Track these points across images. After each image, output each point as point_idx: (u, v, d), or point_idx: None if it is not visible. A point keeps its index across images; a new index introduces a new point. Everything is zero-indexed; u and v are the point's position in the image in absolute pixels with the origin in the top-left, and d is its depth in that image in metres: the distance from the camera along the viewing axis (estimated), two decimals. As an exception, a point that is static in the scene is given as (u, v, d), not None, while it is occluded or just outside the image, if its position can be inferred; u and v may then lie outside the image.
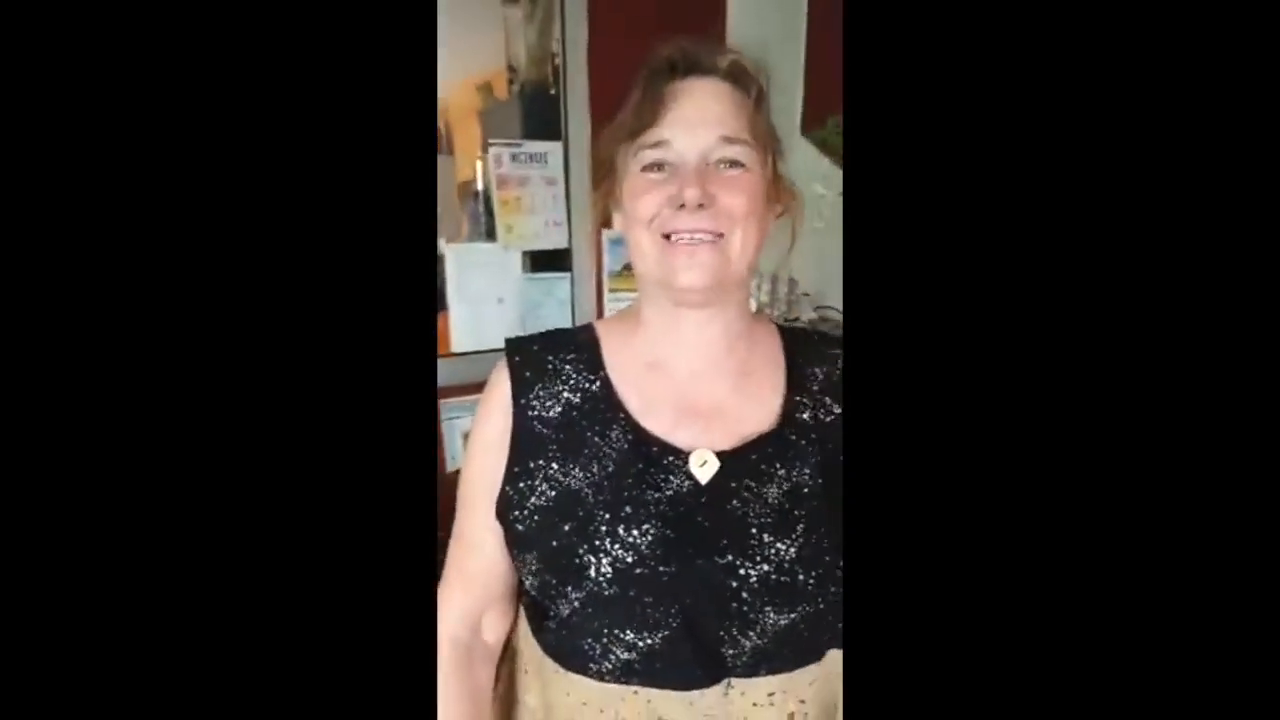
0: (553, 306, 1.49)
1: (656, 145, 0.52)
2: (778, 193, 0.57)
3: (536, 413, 0.55)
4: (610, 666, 0.52)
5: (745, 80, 0.53)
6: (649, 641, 0.50)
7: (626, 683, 0.52)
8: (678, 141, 0.52)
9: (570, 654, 0.54)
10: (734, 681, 0.51)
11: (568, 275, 1.50)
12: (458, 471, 1.42)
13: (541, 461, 0.54)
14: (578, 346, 0.58)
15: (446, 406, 1.39)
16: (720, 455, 0.53)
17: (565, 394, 0.55)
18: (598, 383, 0.56)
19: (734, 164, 0.52)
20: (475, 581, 0.59)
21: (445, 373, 1.37)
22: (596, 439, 0.53)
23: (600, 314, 1.54)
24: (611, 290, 1.56)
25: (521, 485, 0.54)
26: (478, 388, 1.37)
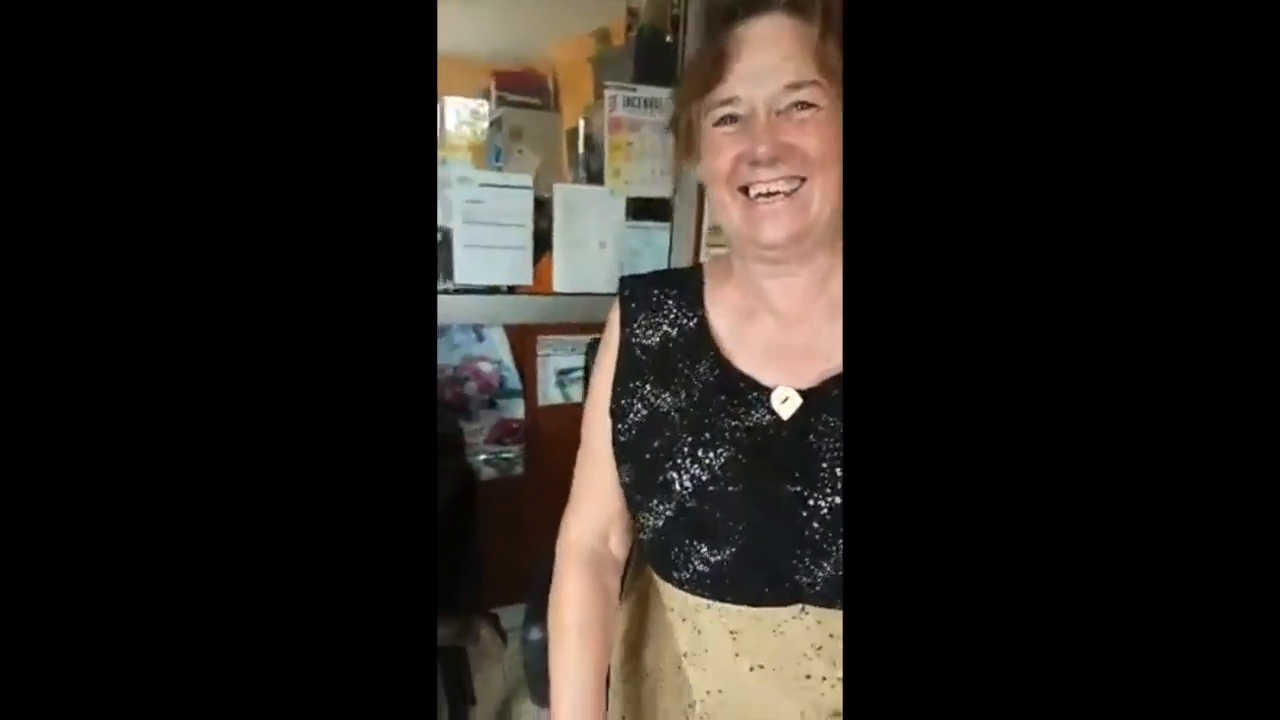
0: (650, 255, 1.52)
1: (725, 102, 0.53)
2: None
3: (638, 340, 0.60)
4: (689, 576, 0.56)
5: (808, 11, 0.51)
6: (719, 556, 0.54)
7: (700, 594, 0.56)
8: (744, 95, 0.52)
9: (661, 563, 0.59)
10: (809, 608, 0.53)
11: (667, 225, 1.51)
12: (548, 406, 1.50)
13: (639, 383, 0.59)
14: (682, 286, 0.62)
15: (542, 343, 1.47)
16: (803, 392, 0.54)
17: (665, 327, 0.60)
18: (695, 320, 0.60)
19: (805, 105, 0.51)
20: (602, 494, 0.63)
21: (544, 311, 1.45)
22: (686, 370, 0.58)
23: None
24: (710, 244, 1.56)
25: (623, 402, 0.59)
26: (572, 328, 1.44)
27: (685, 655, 0.58)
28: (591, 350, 0.94)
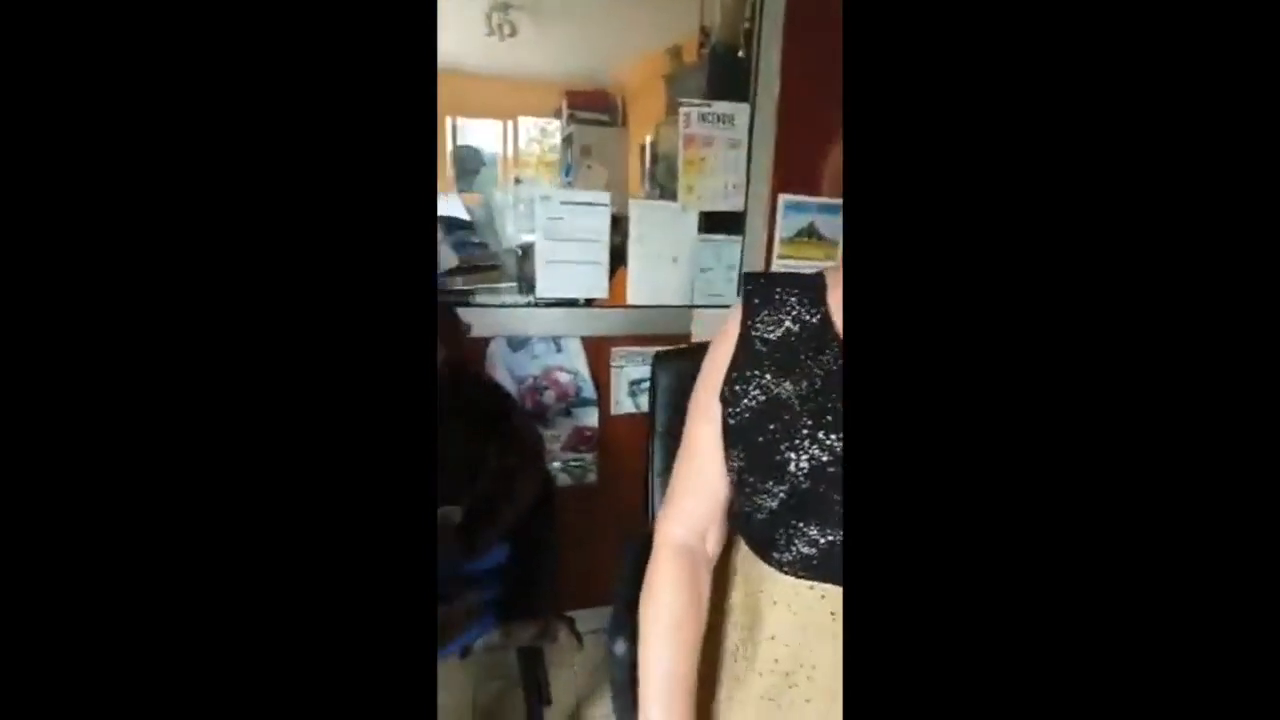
0: (721, 269, 1.53)
1: None
2: None
3: (759, 333, 0.63)
4: (791, 559, 0.57)
5: None
6: (830, 538, 0.55)
7: (804, 577, 0.57)
8: None
9: (762, 546, 0.60)
10: None
11: (739, 239, 1.52)
12: (620, 415, 1.54)
13: (757, 372, 0.61)
14: (804, 286, 0.64)
15: (616, 354, 1.51)
16: None
17: (787, 322, 0.62)
18: (818, 316, 0.62)
19: None
20: (702, 491, 0.65)
21: (618, 323, 1.50)
22: (808, 360, 0.60)
23: (769, 279, 1.55)
24: (781, 256, 1.56)
25: (737, 388, 0.61)
26: (645, 339, 1.48)
27: (773, 638, 0.60)
28: (658, 362, 0.97)
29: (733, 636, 0.65)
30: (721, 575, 0.69)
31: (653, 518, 0.98)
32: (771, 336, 0.62)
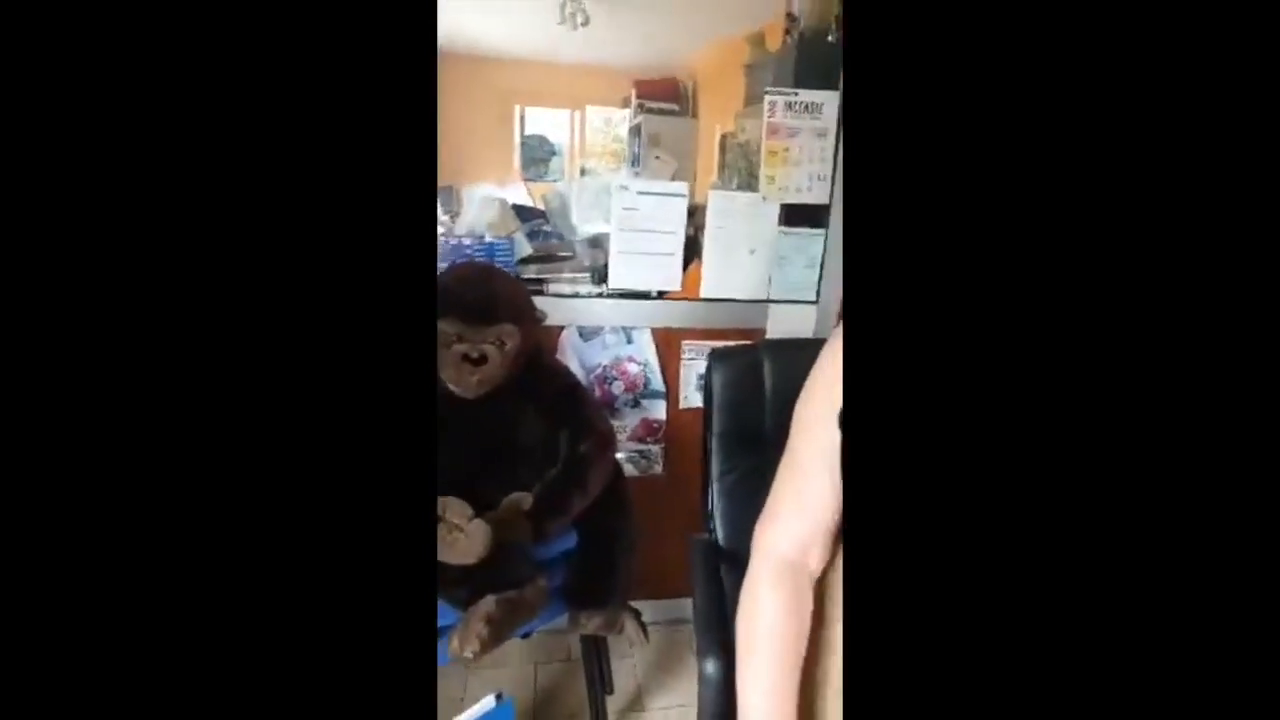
0: (801, 263, 1.48)
1: None
2: None
3: None
4: None
5: None
6: None
7: None
8: None
9: None
10: None
11: (822, 233, 1.47)
12: (688, 408, 1.52)
13: None
14: None
15: (686, 348, 1.50)
16: None
17: None
18: None
19: None
20: (808, 507, 0.61)
21: (689, 316, 1.48)
22: None
23: (850, 274, 1.48)
24: (866, 251, 1.49)
25: None
26: (716, 334, 1.45)
27: None
28: (715, 360, 0.93)
29: (829, 663, 0.62)
30: (817, 598, 0.66)
31: (711, 522, 0.96)
32: None
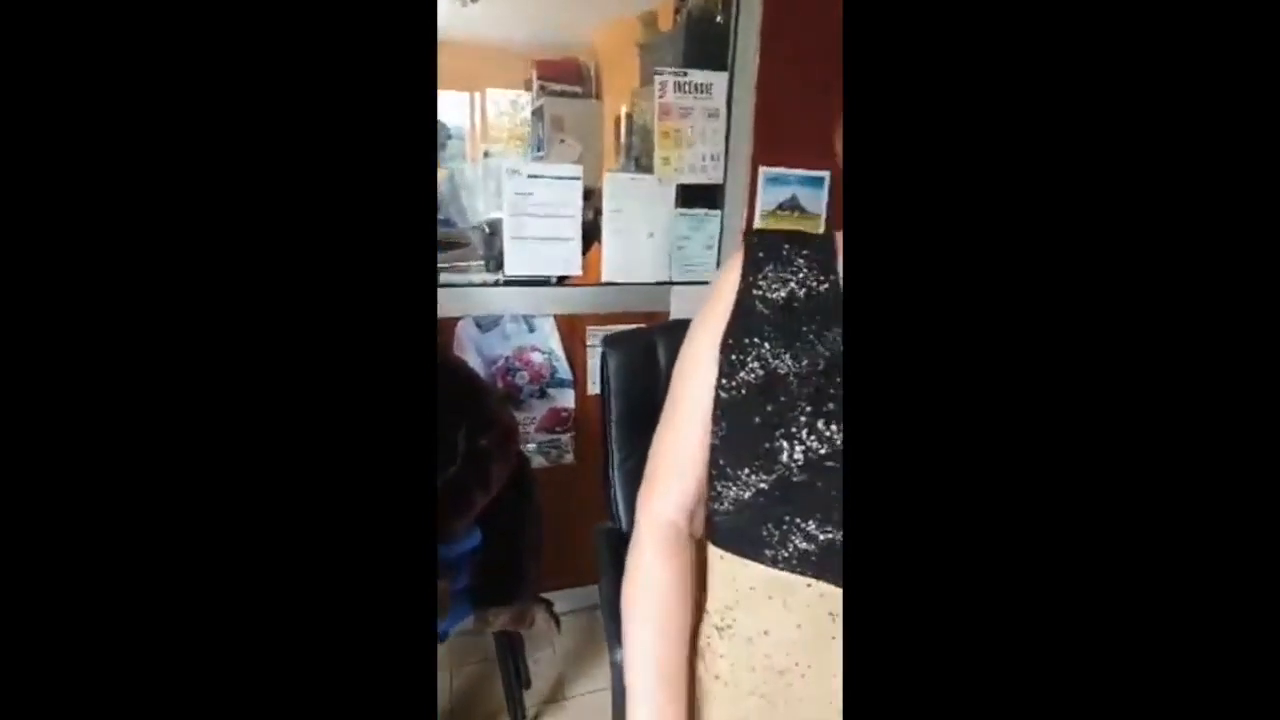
0: (699, 243, 1.49)
1: None
2: None
3: (762, 292, 0.56)
4: (786, 554, 0.53)
5: None
6: (830, 534, 0.51)
7: (800, 573, 0.53)
8: None
9: (747, 539, 0.55)
10: None
11: (718, 213, 1.48)
12: (597, 396, 1.51)
13: (756, 339, 0.55)
14: (815, 247, 0.58)
15: (591, 333, 1.48)
16: None
17: (793, 284, 0.56)
18: (826, 285, 0.56)
19: None
20: (688, 464, 0.59)
21: (592, 300, 1.46)
22: (812, 335, 0.54)
23: (748, 254, 1.51)
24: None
25: (734, 358, 0.55)
26: (620, 317, 1.44)
27: (766, 633, 0.56)
28: (610, 345, 0.92)
29: (707, 628, 0.62)
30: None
31: (615, 508, 0.95)
32: (775, 298, 0.55)
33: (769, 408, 0.52)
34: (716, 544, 0.58)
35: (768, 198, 1.50)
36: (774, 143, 1.45)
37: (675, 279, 1.50)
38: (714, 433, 0.55)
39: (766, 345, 0.54)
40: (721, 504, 0.56)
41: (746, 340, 0.55)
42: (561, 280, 1.42)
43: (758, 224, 1.51)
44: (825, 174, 1.52)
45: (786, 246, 0.57)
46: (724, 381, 0.55)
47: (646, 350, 0.93)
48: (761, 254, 0.57)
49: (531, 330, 1.43)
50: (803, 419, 0.51)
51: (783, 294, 0.56)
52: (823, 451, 0.50)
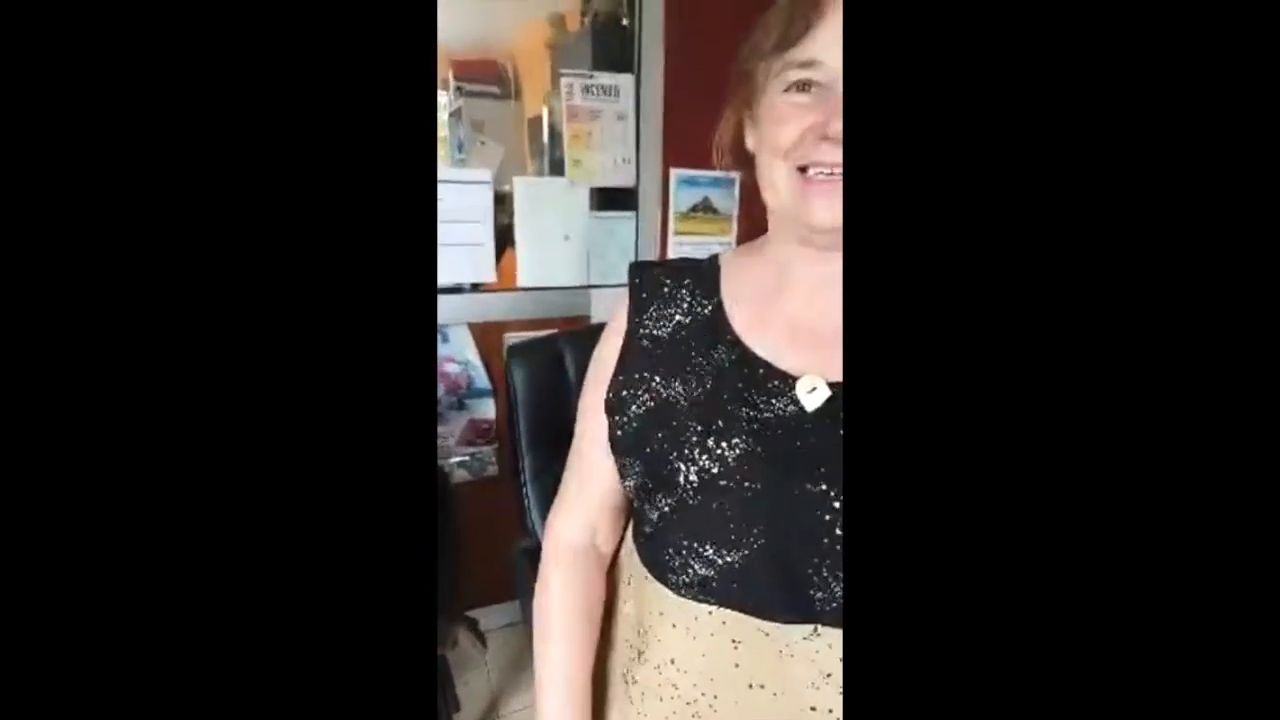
0: (616, 246, 1.49)
1: (805, 65, 0.46)
2: None
3: (648, 330, 0.57)
4: (688, 580, 0.52)
5: None
6: (728, 559, 0.50)
7: (702, 600, 0.52)
8: (830, 61, 0.45)
9: (655, 563, 0.55)
10: (822, 630, 0.49)
11: (633, 215, 1.48)
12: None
13: (646, 374, 0.55)
14: (698, 275, 0.59)
15: (509, 339, 1.45)
16: (833, 385, 0.50)
17: (677, 316, 0.57)
18: (710, 307, 0.57)
19: None
20: (591, 490, 0.61)
21: (510, 307, 1.42)
22: (700, 358, 0.54)
23: (663, 257, 1.52)
24: (677, 233, 1.53)
25: (625, 393, 0.56)
26: (539, 324, 1.42)
27: (672, 662, 0.55)
28: (513, 357, 0.90)
29: (624, 654, 0.61)
30: (611, 582, 0.65)
31: (530, 524, 0.93)
32: (660, 334, 0.57)
33: (661, 435, 0.52)
34: (642, 562, 0.58)
35: (681, 200, 1.51)
36: (685, 145, 1.47)
37: (594, 282, 1.48)
38: (630, 467, 0.56)
39: (657, 378, 0.55)
40: (644, 524, 0.56)
41: (637, 376, 0.56)
42: (475, 287, 1.38)
43: (673, 226, 1.52)
44: (736, 175, 1.54)
45: (669, 282, 0.59)
46: (617, 420, 0.56)
47: (554, 359, 0.91)
48: (645, 295, 0.59)
49: (445, 340, 1.39)
50: (694, 439, 0.51)
51: (668, 329, 0.57)
52: (715, 470, 0.50)
